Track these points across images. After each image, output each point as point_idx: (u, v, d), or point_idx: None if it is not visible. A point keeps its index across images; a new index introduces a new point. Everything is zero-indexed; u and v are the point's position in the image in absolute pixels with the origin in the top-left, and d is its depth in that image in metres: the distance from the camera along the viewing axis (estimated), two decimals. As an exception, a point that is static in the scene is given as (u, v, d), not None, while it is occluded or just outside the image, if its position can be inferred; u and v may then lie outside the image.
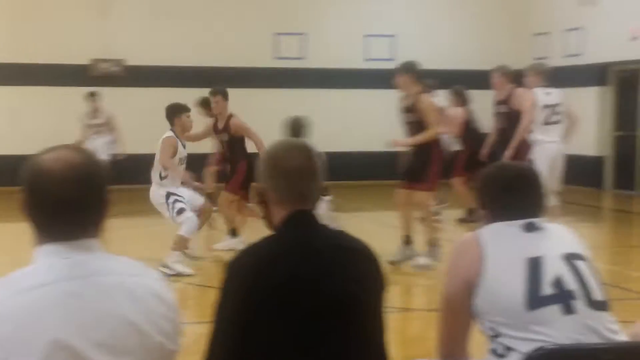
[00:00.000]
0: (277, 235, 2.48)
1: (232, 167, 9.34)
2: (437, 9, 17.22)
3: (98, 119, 13.94)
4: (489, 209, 2.97)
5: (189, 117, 8.43)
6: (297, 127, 8.78)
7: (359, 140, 16.24)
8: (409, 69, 8.15)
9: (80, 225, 1.94)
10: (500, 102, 9.69)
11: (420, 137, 7.97)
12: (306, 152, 2.52)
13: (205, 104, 10.91)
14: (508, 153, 9.20)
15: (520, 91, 9.51)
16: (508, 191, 2.92)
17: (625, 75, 15.51)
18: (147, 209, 10.69)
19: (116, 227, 9.39)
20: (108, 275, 1.92)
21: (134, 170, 12.43)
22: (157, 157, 8.20)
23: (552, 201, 9.08)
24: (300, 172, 2.48)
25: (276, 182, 2.50)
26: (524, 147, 9.33)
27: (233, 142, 9.36)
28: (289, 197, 2.48)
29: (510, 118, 9.50)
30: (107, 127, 13.97)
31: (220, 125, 9.45)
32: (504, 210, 2.92)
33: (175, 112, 8.34)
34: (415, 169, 8.07)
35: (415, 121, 8.04)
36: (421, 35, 17.03)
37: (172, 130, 8.31)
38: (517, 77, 9.79)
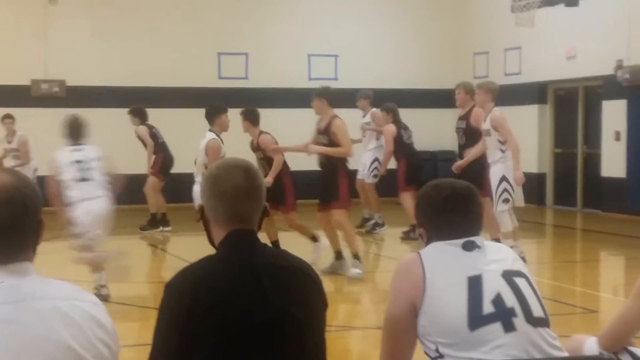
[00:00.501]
0: (216, 255, 2.48)
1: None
2: (380, 29, 17.38)
3: (12, 144, 13.08)
4: (426, 228, 2.97)
5: (227, 117, 9.08)
6: (75, 126, 8.28)
7: (303, 159, 16.22)
8: (322, 94, 8.82)
9: (13, 249, 1.90)
10: (461, 118, 9.91)
11: (332, 151, 8.62)
12: (244, 172, 2.50)
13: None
14: (457, 166, 9.54)
15: (479, 110, 9.48)
16: (443, 211, 2.92)
17: (564, 93, 15.82)
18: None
19: (51, 250, 9.22)
20: (42, 299, 1.88)
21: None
22: (200, 159, 8.71)
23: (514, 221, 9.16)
24: (236, 193, 2.47)
25: (214, 203, 2.50)
26: (479, 166, 9.29)
27: (268, 159, 9.39)
28: (224, 218, 2.48)
29: (467, 135, 9.69)
30: (20, 151, 13.01)
31: (254, 143, 9.64)
32: (440, 230, 2.92)
33: (215, 113, 8.99)
34: (326, 190, 8.72)
35: (328, 143, 8.67)
36: (364, 55, 17.16)
37: (212, 131, 8.85)
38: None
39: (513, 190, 8.97)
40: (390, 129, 11.68)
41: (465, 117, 9.80)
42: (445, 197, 2.93)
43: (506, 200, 8.97)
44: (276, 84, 16.43)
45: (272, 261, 2.45)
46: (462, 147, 9.91)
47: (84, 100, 15.57)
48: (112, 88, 15.80)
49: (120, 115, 15.82)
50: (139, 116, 12.61)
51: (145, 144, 12.72)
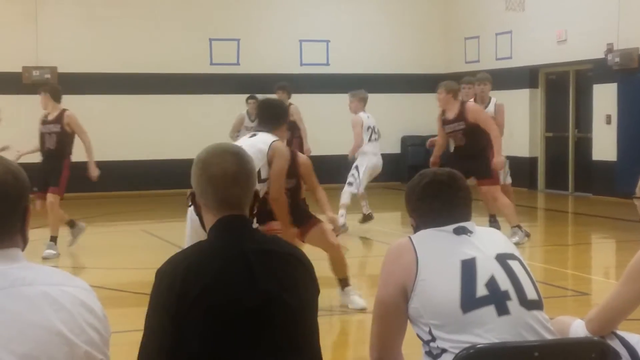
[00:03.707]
0: (206, 242, 2.48)
1: None
2: (370, 14, 17.35)
3: None
4: (413, 216, 3.02)
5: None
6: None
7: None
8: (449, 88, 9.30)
9: (0, 235, 1.90)
10: (456, 120, 9.41)
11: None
12: (234, 157, 2.50)
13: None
14: (497, 160, 9.28)
15: (471, 105, 9.49)
16: (425, 198, 2.96)
17: (555, 77, 15.85)
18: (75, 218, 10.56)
19: (43, 236, 9.24)
20: (31, 285, 1.87)
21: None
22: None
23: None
24: (224, 178, 2.47)
25: (203, 188, 2.50)
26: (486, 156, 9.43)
27: None
28: (214, 203, 2.49)
29: (467, 134, 9.36)
30: None
31: None
32: (425, 217, 2.96)
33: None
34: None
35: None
36: (355, 40, 17.15)
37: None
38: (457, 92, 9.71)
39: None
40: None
41: (460, 118, 9.40)
42: (426, 184, 2.97)
43: None
44: (268, 70, 16.41)
45: (263, 247, 2.45)
46: (464, 148, 9.49)
47: (76, 87, 15.50)
48: (104, 75, 15.76)
49: (112, 102, 15.82)
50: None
51: None
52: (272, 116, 6.23)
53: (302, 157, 6.83)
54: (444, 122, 9.55)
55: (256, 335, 2.33)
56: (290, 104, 11.64)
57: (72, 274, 1.99)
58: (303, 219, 6.65)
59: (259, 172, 5.79)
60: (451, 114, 9.43)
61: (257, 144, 5.94)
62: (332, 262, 6.61)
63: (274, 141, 6.02)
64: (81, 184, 14.08)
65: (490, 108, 10.03)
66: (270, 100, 6.81)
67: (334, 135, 14.55)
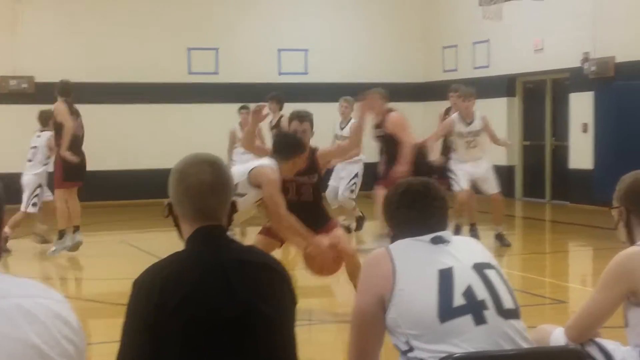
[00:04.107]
0: (183, 252, 2.47)
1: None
2: (349, 23, 17.41)
3: None
4: (389, 225, 3.03)
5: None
6: None
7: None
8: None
9: None
10: (377, 126, 9.82)
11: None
12: (211, 168, 2.49)
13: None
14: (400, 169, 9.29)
15: (394, 116, 9.71)
16: (400, 207, 2.97)
17: (532, 86, 15.96)
18: (48, 229, 10.50)
19: (21, 248, 9.18)
20: (5, 297, 1.86)
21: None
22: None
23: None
24: (200, 188, 2.46)
25: (180, 198, 2.50)
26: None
27: None
28: (190, 213, 2.48)
29: (387, 141, 9.71)
30: None
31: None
32: (400, 226, 2.97)
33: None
34: None
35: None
36: (334, 49, 17.19)
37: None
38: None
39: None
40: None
41: (382, 125, 9.70)
42: (400, 194, 2.98)
43: None
44: (246, 79, 16.42)
45: (240, 257, 2.44)
46: (383, 153, 9.91)
47: (53, 96, 15.45)
48: (82, 84, 15.61)
49: (90, 111, 15.72)
50: None
51: None
52: (279, 149, 6.36)
53: (320, 150, 6.82)
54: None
55: (234, 345, 2.32)
56: (281, 115, 11.75)
57: (49, 285, 1.98)
58: (323, 220, 6.61)
59: (236, 185, 5.83)
60: (378, 120, 9.91)
61: (244, 165, 6.35)
62: (349, 270, 6.45)
63: (255, 167, 6.11)
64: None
65: (477, 124, 10.16)
66: (283, 134, 7.17)
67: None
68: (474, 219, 10.16)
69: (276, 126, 11.83)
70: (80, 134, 10.23)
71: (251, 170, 6.12)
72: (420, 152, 9.75)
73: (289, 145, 6.39)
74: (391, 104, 10.83)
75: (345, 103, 11.62)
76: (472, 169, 10.11)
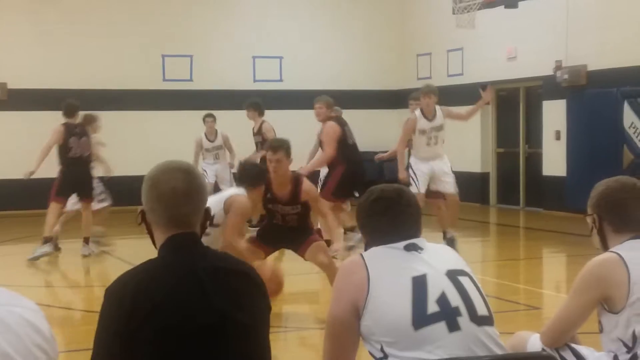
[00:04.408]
0: (156, 260, 2.46)
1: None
2: (323, 31, 17.44)
3: None
4: (362, 233, 3.04)
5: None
6: None
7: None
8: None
9: None
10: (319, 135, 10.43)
11: None
12: (184, 175, 2.48)
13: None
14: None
15: (327, 125, 10.14)
16: (372, 215, 2.98)
17: (505, 94, 16.07)
18: (19, 236, 10.43)
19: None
20: None
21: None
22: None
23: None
24: (173, 195, 2.45)
25: (152, 206, 2.48)
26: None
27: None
28: (163, 220, 2.47)
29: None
30: None
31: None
32: (373, 234, 2.97)
33: None
34: None
35: None
36: (309, 56, 17.21)
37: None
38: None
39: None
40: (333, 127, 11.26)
41: (258, 132, 10.66)
42: (372, 201, 2.98)
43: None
44: (221, 86, 16.39)
45: (214, 264, 2.43)
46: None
47: (26, 103, 15.34)
48: (55, 91, 15.56)
49: (62, 118, 15.61)
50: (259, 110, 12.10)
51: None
52: (241, 179, 6.77)
53: (306, 185, 6.88)
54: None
55: (209, 353, 2.31)
56: (263, 121, 11.81)
57: (21, 293, 1.96)
58: (303, 239, 6.84)
59: (213, 217, 5.86)
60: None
61: (218, 195, 6.71)
62: (329, 278, 6.64)
63: (230, 196, 6.49)
64: (32, 201, 13.90)
65: (439, 118, 10.21)
66: (245, 164, 7.24)
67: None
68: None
69: (258, 132, 11.85)
70: (81, 153, 10.48)
71: (227, 199, 6.47)
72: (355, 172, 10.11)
73: (250, 175, 6.70)
74: (366, 112, 10.95)
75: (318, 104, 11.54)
76: (432, 167, 10.12)
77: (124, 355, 2.27)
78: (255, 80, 16.94)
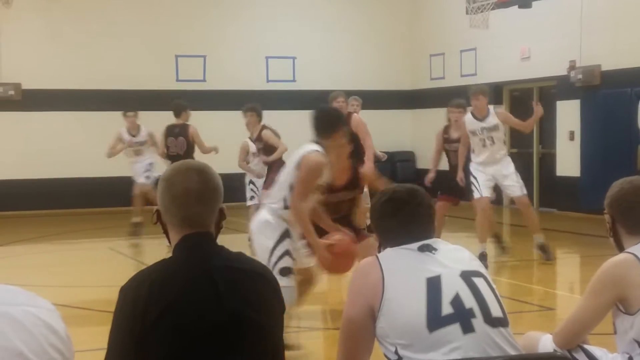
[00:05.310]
0: (170, 259, 2.47)
1: None
2: (336, 31, 17.44)
3: None
4: (377, 235, 3.04)
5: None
6: None
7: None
8: None
9: None
10: (257, 139, 10.92)
11: None
12: (198, 176, 2.50)
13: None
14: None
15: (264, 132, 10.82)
16: (383, 216, 2.98)
17: (518, 94, 16.02)
18: (34, 236, 10.46)
19: (9, 254, 9.13)
20: None
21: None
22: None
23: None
24: (187, 196, 2.47)
25: (167, 206, 2.50)
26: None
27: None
28: (177, 220, 2.49)
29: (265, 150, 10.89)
30: None
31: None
32: (386, 234, 2.97)
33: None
34: None
35: None
36: (322, 56, 17.22)
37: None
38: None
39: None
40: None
41: (258, 138, 10.87)
42: (384, 202, 2.98)
43: None
44: (234, 86, 16.41)
45: (229, 264, 2.44)
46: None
47: (40, 103, 15.42)
48: (69, 91, 15.65)
49: (77, 118, 15.69)
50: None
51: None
52: (314, 127, 5.89)
53: (365, 169, 6.84)
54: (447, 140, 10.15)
55: (222, 353, 2.32)
56: (263, 126, 11.23)
57: (37, 292, 1.97)
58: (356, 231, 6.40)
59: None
60: (255, 134, 10.72)
61: (296, 153, 5.72)
62: None
63: (308, 152, 5.61)
64: (47, 201, 13.98)
65: (492, 118, 9.83)
66: (316, 110, 6.19)
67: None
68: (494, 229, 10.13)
69: (258, 139, 11.24)
70: (177, 152, 11.30)
71: (300, 157, 5.61)
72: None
73: (321, 121, 5.87)
74: (379, 112, 10.92)
75: (355, 102, 11.45)
76: (492, 174, 9.84)
77: (138, 354, 2.28)
78: (268, 81, 16.96)
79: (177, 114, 11.67)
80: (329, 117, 5.93)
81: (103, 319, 6.78)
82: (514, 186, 9.92)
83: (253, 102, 11.69)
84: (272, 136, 11.23)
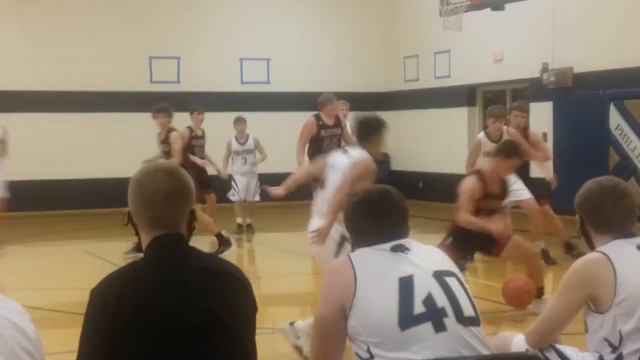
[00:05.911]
0: (141, 261, 2.47)
1: None
2: (311, 33, 17.45)
3: None
4: (350, 235, 3.05)
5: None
6: None
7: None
8: None
9: None
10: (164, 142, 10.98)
11: None
12: (167, 177, 2.49)
13: None
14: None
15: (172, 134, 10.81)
16: (355, 216, 3.01)
17: (492, 96, 16.11)
18: (8, 238, 10.35)
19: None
20: None
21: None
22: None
23: None
24: (156, 198, 2.46)
25: (137, 207, 2.50)
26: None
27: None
28: (147, 222, 2.49)
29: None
30: None
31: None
32: (357, 234, 2.99)
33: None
34: None
35: None
36: (296, 58, 17.21)
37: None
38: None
39: None
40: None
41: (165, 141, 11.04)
42: (355, 203, 3.01)
43: None
44: (208, 88, 16.37)
45: (200, 265, 2.44)
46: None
47: (12, 104, 15.27)
48: (42, 92, 15.53)
49: (52, 120, 15.58)
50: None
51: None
52: (355, 132, 6.16)
53: None
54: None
55: (194, 354, 2.32)
56: (170, 128, 11.08)
57: (8, 294, 1.96)
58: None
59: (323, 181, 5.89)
60: (163, 136, 11.05)
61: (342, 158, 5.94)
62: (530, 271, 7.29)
63: (360, 158, 5.78)
64: (21, 203, 13.84)
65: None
66: (357, 117, 6.39)
67: (276, 153, 14.55)
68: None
69: (165, 141, 11.12)
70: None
71: (355, 160, 5.78)
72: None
73: (364, 126, 6.02)
74: (354, 113, 10.88)
75: (344, 106, 11.77)
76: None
77: (110, 356, 2.27)
78: (242, 82, 16.93)
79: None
80: (371, 122, 6.09)
81: (75, 321, 6.73)
82: (519, 190, 10.40)
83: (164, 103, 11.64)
84: (259, 142, 12.34)
